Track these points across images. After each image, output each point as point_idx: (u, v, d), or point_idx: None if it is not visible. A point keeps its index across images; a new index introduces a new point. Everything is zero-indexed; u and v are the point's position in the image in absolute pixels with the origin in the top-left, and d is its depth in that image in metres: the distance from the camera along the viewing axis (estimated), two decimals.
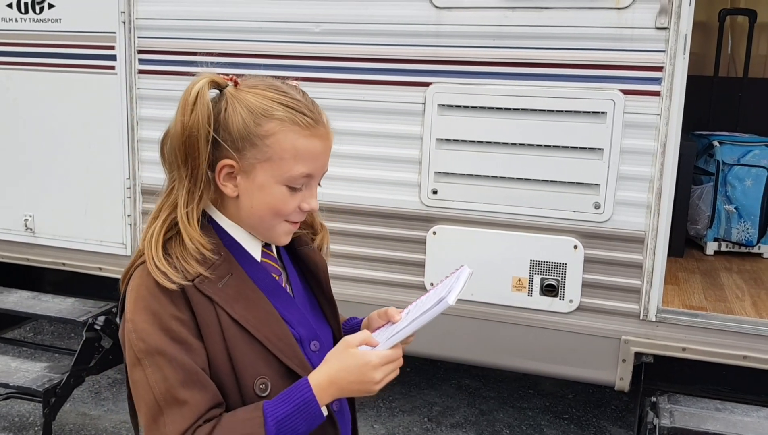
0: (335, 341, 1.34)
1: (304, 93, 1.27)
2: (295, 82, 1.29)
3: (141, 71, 3.19)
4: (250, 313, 1.22)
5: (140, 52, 3.18)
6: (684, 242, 3.88)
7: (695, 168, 4.10)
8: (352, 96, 2.90)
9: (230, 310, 1.20)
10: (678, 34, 2.49)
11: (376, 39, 2.84)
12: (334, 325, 1.42)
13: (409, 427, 3.71)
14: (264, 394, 1.20)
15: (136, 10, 3.14)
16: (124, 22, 3.17)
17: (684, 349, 2.67)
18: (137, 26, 3.16)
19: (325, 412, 1.20)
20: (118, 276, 1.32)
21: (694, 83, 5.43)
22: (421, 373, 4.33)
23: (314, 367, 1.23)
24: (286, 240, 1.31)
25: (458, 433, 3.68)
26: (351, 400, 1.44)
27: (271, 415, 1.14)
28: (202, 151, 1.19)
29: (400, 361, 1.23)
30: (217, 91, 1.24)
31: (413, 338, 1.31)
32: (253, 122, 1.20)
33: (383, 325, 1.35)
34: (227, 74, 1.25)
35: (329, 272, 1.44)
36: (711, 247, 3.92)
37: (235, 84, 1.25)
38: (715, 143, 3.98)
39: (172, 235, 1.22)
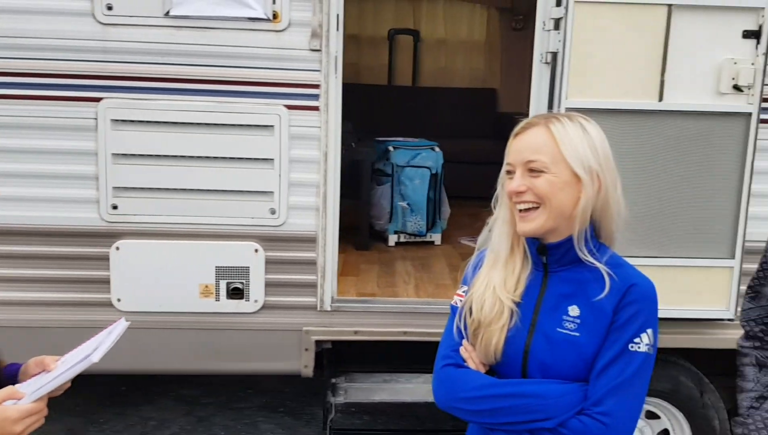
0: None
1: None
2: None
3: None
4: None
5: None
6: (368, 237, 4.33)
7: (377, 170, 4.59)
8: (19, 112, 2.79)
9: None
10: (329, 55, 2.81)
11: (42, 53, 2.77)
12: None
13: None
14: None
15: None
16: None
17: (356, 332, 3.02)
18: None
19: None
20: None
21: (372, 93, 6.05)
22: (137, 390, 4.25)
23: None
24: None
25: None
26: None
27: None
28: None
29: (44, 412, 1.33)
30: None
31: (68, 385, 1.42)
32: None
33: (39, 373, 1.43)
34: None
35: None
36: (392, 240, 4.43)
37: None
38: (390, 148, 4.50)
39: None
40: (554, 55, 2.79)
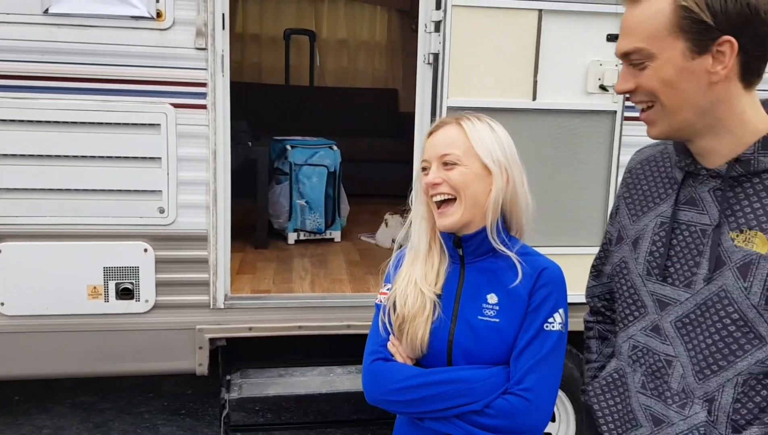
0: None
1: None
2: None
3: None
4: None
5: None
6: (267, 235, 4.36)
7: (276, 169, 4.62)
8: None
9: None
10: (215, 54, 2.83)
11: None
12: None
13: None
14: None
15: None
16: None
17: (251, 329, 3.05)
18: None
19: None
20: None
21: (270, 92, 6.07)
22: (32, 399, 4.12)
23: None
24: None
25: None
26: None
27: None
28: None
29: None
30: None
31: None
32: None
33: None
34: None
35: None
36: (292, 237, 4.47)
37: None
38: (288, 147, 4.54)
39: None
40: (435, 56, 2.92)
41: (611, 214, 1.56)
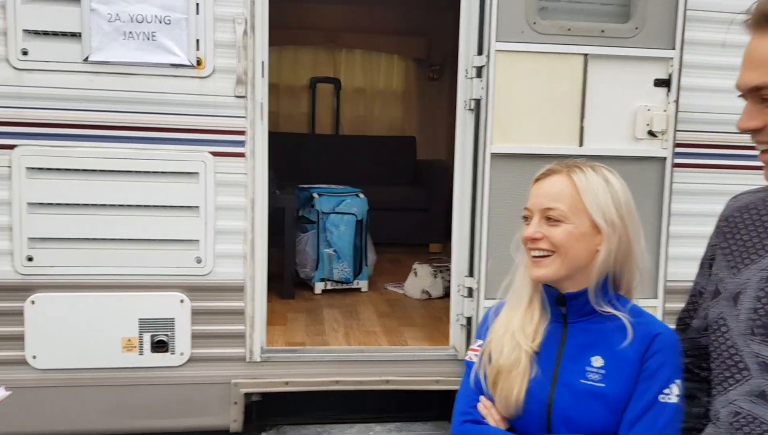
0: None
1: None
2: None
3: None
4: None
5: None
6: (294, 285, 4.26)
7: (302, 217, 4.54)
8: None
9: None
10: (255, 102, 2.79)
11: None
12: None
13: None
14: None
15: None
16: None
17: (287, 383, 2.93)
18: None
19: None
20: None
21: (295, 141, 6.05)
22: None
23: None
24: None
25: None
26: None
27: None
28: None
29: None
30: None
31: None
32: None
33: None
34: None
35: None
36: (318, 287, 4.37)
37: None
38: (315, 195, 4.47)
39: None
40: (477, 102, 2.87)
41: (702, 263, 1.46)
